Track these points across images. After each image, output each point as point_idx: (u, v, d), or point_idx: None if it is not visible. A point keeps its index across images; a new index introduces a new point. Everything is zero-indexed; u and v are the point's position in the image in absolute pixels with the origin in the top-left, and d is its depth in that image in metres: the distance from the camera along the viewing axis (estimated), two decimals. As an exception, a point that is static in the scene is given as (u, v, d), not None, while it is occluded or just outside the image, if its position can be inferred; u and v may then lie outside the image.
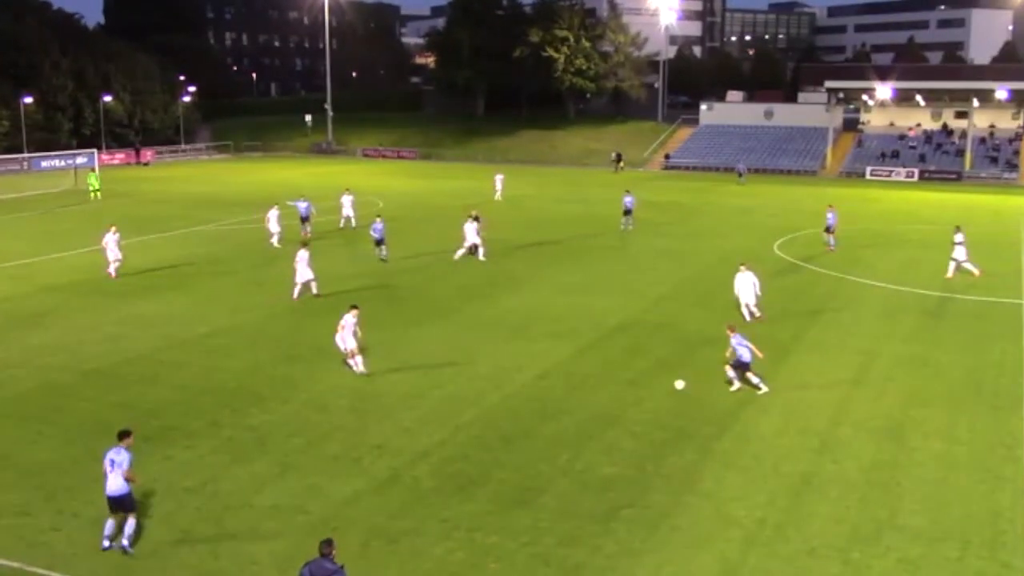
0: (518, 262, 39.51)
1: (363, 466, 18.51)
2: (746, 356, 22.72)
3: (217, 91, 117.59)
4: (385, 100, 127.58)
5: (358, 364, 24.17)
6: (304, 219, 44.77)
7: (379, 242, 38.62)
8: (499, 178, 62.41)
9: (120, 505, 15.15)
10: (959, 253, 36.30)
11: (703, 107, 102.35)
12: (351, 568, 12.76)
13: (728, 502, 17.01)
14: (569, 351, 26.46)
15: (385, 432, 20.28)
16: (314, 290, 32.41)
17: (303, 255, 32.45)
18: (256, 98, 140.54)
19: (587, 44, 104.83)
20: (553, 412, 21.57)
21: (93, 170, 55.59)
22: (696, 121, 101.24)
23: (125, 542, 15.03)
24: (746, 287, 29.39)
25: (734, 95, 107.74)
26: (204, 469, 18.33)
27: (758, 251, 42.16)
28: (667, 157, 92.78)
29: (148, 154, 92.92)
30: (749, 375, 22.88)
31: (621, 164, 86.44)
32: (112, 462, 15.13)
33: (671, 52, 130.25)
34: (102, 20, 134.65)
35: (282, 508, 16.61)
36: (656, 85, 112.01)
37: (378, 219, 39.34)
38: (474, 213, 41.52)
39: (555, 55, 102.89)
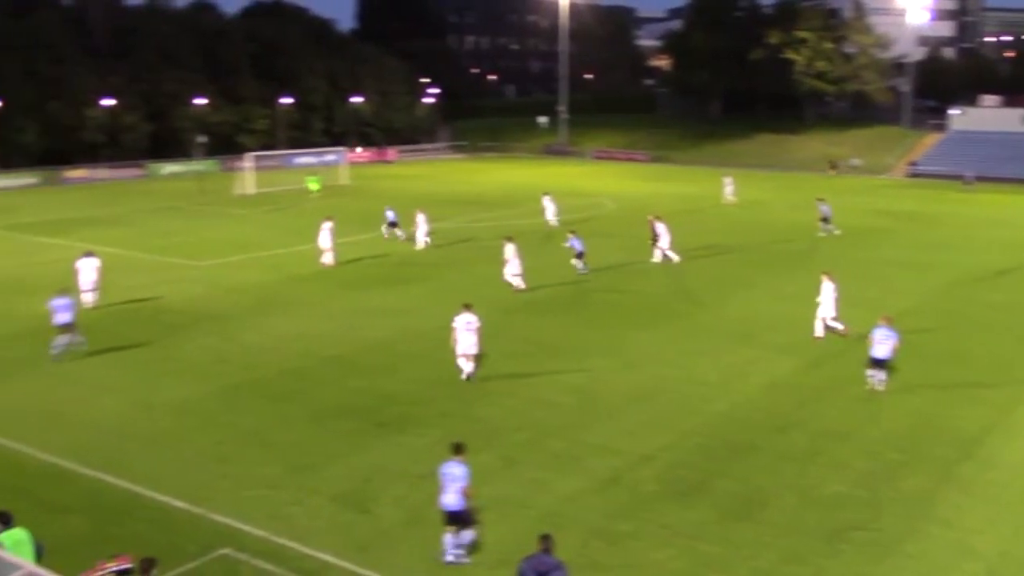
0: (745, 267, 38.67)
1: (585, 465, 18.69)
2: (880, 353, 22.76)
3: (457, 93, 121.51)
4: (618, 102, 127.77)
5: (466, 367, 23.73)
6: (392, 224, 44.82)
7: (580, 254, 37.62)
8: (728, 181, 61.31)
9: (457, 519, 15.02)
10: None
11: (954, 112, 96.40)
12: (570, 566, 12.92)
13: (968, 532, 16.03)
14: (800, 362, 25.68)
15: (608, 433, 20.40)
16: (518, 285, 33.27)
17: (511, 248, 33.49)
18: (494, 100, 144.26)
19: (829, 46, 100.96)
20: (781, 424, 21.01)
21: (313, 174, 58.81)
22: (944, 127, 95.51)
23: (459, 551, 14.98)
24: (827, 298, 27.78)
25: (990, 99, 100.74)
26: (433, 457, 18.98)
27: (1005, 266, 39.34)
28: (912, 164, 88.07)
29: (391, 153, 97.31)
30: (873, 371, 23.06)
31: (834, 170, 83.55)
32: (449, 476, 14.94)
33: (920, 54, 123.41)
34: (354, 26, 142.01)
35: (504, 500, 17.04)
36: (902, 88, 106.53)
37: (572, 235, 38.45)
38: (650, 217, 41.52)
39: (795, 57, 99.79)
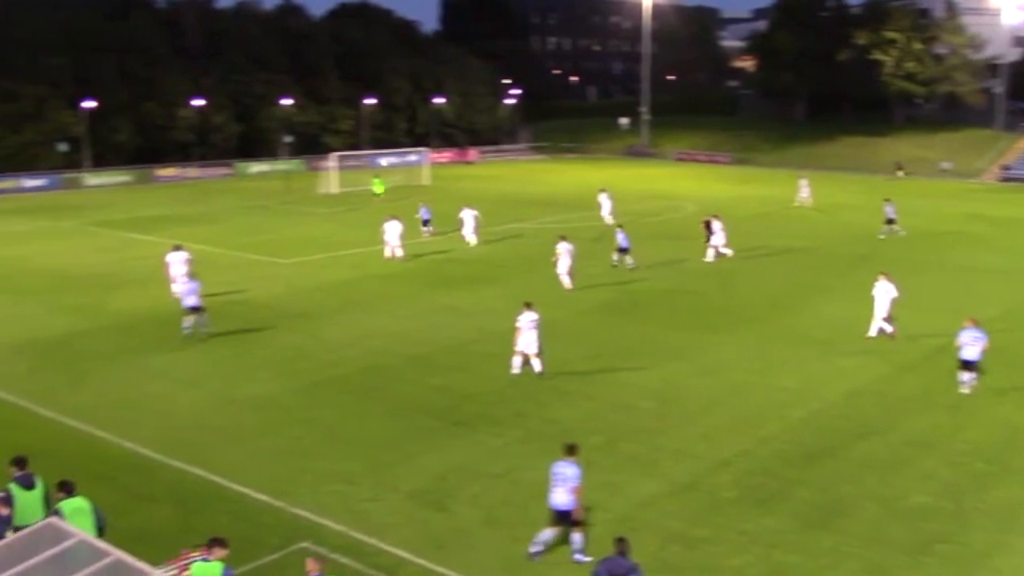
0: (826, 271, 37.99)
1: (662, 469, 18.56)
2: (969, 352, 22.76)
3: (538, 94, 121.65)
4: (701, 104, 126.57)
5: (515, 366, 24.31)
6: (425, 222, 45.91)
7: (624, 250, 38.02)
8: (803, 183, 60.31)
9: (564, 518, 14.96)
10: None
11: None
12: (646, 570, 12.86)
13: (1060, 548, 15.52)
14: (884, 370, 25.12)
15: (685, 437, 20.23)
16: (566, 282, 33.70)
17: (566, 246, 34.02)
18: (575, 101, 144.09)
19: (919, 46, 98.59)
20: (863, 433, 20.59)
21: (377, 176, 59.38)
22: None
23: (578, 555, 14.86)
24: (882, 298, 27.69)
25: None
26: (509, 457, 19.12)
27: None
28: (1005, 168, 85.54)
29: (473, 153, 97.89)
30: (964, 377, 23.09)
31: (901, 172, 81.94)
32: (560, 476, 14.92)
33: (1015, 54, 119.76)
34: (438, 27, 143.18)
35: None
36: (995, 90, 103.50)
37: (620, 230, 38.94)
38: (705, 218, 41.81)
39: (883, 58, 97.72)
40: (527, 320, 23.91)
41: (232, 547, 15.00)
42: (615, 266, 38.02)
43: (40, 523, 11.66)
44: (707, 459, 19.05)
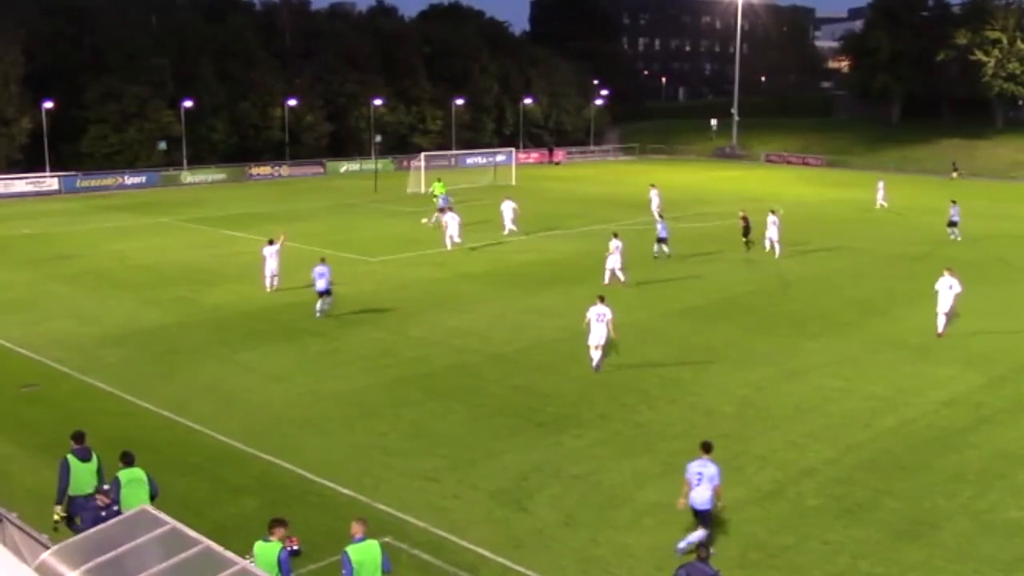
0: (920, 279, 36.89)
1: (746, 476, 18.32)
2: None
3: (627, 94, 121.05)
4: (793, 105, 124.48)
5: (593, 360, 24.64)
6: (443, 209, 46.83)
7: (662, 240, 40.17)
8: (880, 185, 58.99)
9: (704, 517, 15.12)
10: None
11: None
12: (727, 576, 12.72)
13: None
14: (980, 380, 24.39)
15: (771, 444, 19.94)
16: (621, 277, 34.62)
17: (616, 244, 35.08)
18: (664, 102, 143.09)
19: (1023, 46, 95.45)
20: (956, 444, 20.03)
21: (439, 180, 59.56)
22: None
23: (682, 545, 14.97)
24: (944, 293, 28.07)
25: None
26: (591, 459, 19.09)
27: None
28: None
29: (560, 154, 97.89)
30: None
31: (955, 173, 79.72)
32: (700, 475, 15.02)
33: None
34: (527, 27, 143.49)
35: (662, 506, 16.88)
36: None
37: (660, 220, 41.31)
38: (741, 213, 43.19)
39: (984, 58, 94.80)
40: (595, 313, 24.44)
41: (315, 540, 15.34)
42: (656, 257, 39.72)
43: (135, 510, 12.03)
44: (792, 467, 18.74)
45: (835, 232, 48.95)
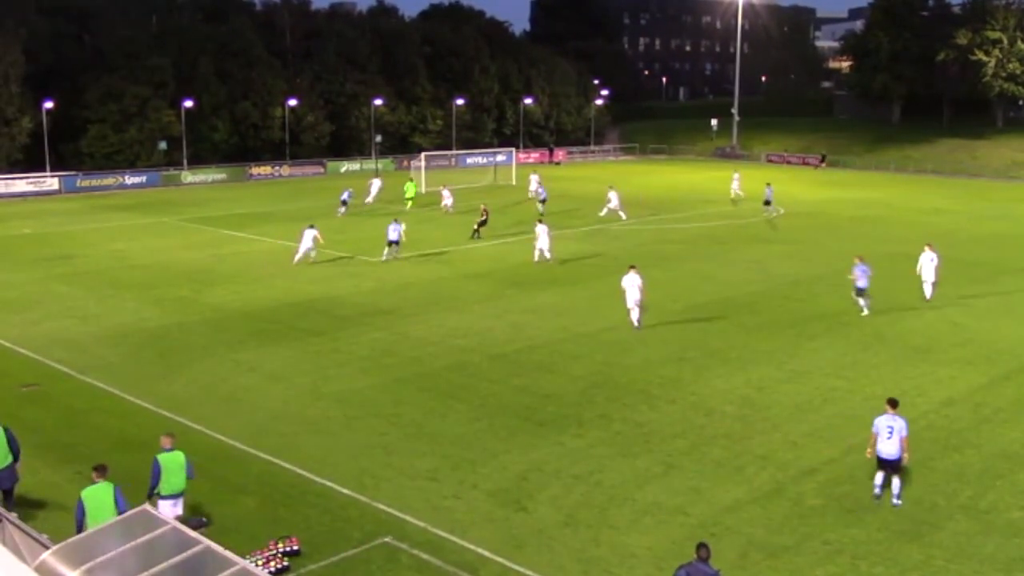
0: (920, 279, 36.90)
1: (746, 475, 18.32)
2: (862, 282, 30.23)
3: (627, 94, 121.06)
4: (793, 105, 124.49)
5: (633, 320, 28.53)
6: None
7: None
8: (736, 176, 61.01)
9: (891, 466, 16.95)
10: None
11: None
12: (727, 576, 12.71)
13: None
14: (981, 380, 24.38)
15: (771, 443, 19.93)
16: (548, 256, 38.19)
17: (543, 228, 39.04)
18: (664, 102, 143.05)
19: (1023, 46, 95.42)
20: (957, 444, 20.02)
21: (411, 179, 59.93)
22: None
23: (896, 500, 16.89)
24: (927, 265, 32.65)
25: None
26: (591, 459, 19.07)
27: None
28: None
29: (560, 154, 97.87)
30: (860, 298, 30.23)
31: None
32: (890, 428, 16.90)
33: None
34: (528, 27, 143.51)
35: (663, 507, 16.88)
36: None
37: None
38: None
39: (984, 58, 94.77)
40: (630, 281, 28.55)
41: (316, 540, 15.37)
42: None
43: (134, 510, 12.02)
44: (792, 466, 18.73)
45: (835, 232, 48.95)
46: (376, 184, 59.23)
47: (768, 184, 55.38)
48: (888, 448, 16.90)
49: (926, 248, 33.18)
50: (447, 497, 17.29)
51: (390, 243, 39.54)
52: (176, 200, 62.03)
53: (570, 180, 76.60)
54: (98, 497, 13.54)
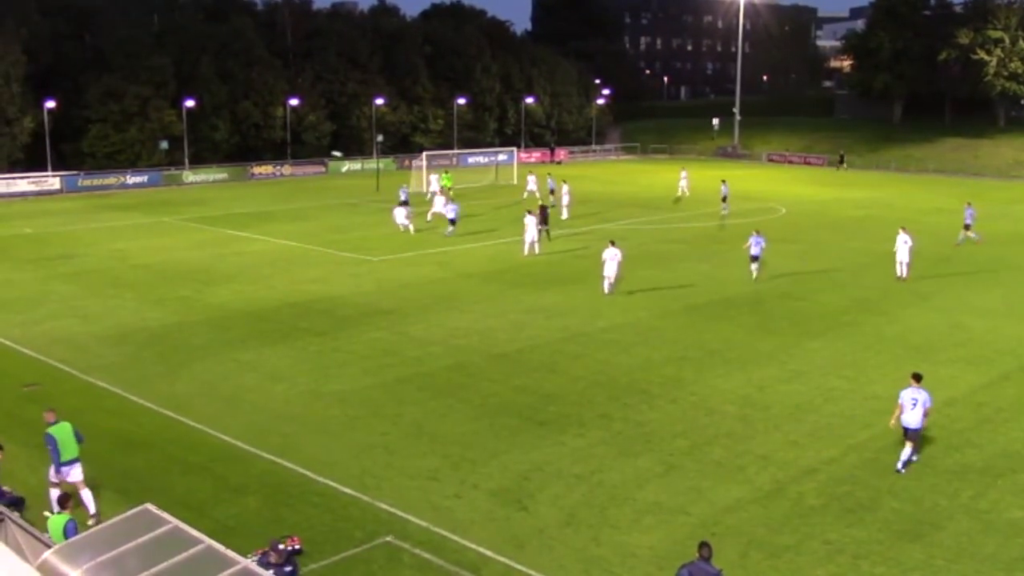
0: (921, 279, 36.95)
1: (747, 475, 18.33)
2: (754, 251, 35.04)
3: (629, 94, 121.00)
4: (795, 104, 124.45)
5: (604, 289, 32.41)
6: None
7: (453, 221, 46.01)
8: (684, 173, 62.16)
9: (915, 435, 18.44)
10: None
11: None
12: None
13: None
14: (981, 380, 24.40)
15: (772, 443, 19.94)
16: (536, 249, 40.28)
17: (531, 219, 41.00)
18: (666, 101, 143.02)
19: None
20: (958, 444, 20.03)
21: (446, 172, 60.30)
22: None
23: (900, 467, 18.26)
24: (902, 247, 35.93)
25: None
26: (592, 458, 19.09)
27: None
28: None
29: (561, 153, 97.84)
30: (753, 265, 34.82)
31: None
32: (915, 400, 18.27)
33: None
34: (529, 27, 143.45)
35: (664, 506, 16.90)
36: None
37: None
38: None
39: (986, 58, 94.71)
40: (610, 255, 32.56)
41: (317, 540, 15.39)
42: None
43: (135, 510, 12.03)
44: (793, 466, 18.75)
45: (836, 231, 48.97)
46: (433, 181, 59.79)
47: (723, 181, 55.99)
48: (911, 418, 18.26)
49: (900, 231, 36.30)
50: (448, 497, 17.31)
51: (451, 221, 45.41)
52: (177, 200, 62.06)
53: (570, 180, 76.29)
54: (64, 432, 16.13)
